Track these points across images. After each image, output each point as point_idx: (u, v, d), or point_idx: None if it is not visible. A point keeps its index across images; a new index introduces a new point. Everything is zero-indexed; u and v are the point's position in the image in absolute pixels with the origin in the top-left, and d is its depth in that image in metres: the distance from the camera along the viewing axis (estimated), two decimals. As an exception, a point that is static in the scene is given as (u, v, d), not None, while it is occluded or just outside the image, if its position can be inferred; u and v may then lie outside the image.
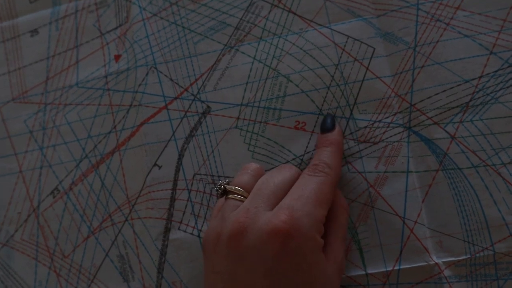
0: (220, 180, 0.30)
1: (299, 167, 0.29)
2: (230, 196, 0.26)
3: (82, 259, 0.31)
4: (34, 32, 0.35)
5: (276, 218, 0.22)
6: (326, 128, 0.28)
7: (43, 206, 0.32)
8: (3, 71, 0.35)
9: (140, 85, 0.32)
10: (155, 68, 0.32)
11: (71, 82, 0.33)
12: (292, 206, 0.23)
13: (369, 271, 0.27)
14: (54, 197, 0.32)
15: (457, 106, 0.28)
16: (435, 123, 0.28)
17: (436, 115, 0.28)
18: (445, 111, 0.28)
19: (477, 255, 0.26)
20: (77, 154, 0.32)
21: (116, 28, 0.33)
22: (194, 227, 0.29)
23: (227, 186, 0.26)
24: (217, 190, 0.26)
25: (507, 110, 0.27)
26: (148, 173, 0.30)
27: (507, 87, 0.27)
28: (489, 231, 0.26)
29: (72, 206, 0.32)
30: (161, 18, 0.32)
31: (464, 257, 0.26)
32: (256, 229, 0.22)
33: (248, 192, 0.25)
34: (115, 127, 0.32)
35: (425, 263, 0.27)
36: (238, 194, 0.25)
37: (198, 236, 0.29)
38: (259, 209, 0.23)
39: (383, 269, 0.27)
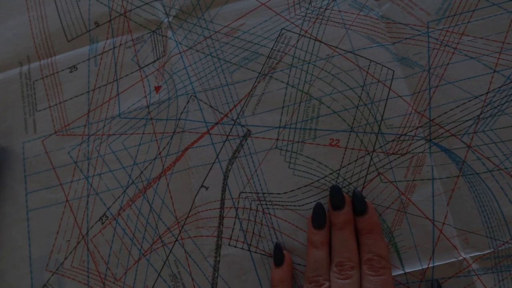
0: (264, 196, 0.32)
1: (336, 181, 0.32)
2: None
3: (134, 281, 0.33)
4: (73, 68, 0.36)
5: None
6: (360, 209, 0.30)
7: (92, 233, 0.34)
8: (44, 106, 0.36)
9: (182, 112, 0.34)
10: (195, 96, 0.34)
11: (114, 113, 0.35)
12: None
13: (407, 270, 0.30)
14: (102, 223, 0.34)
15: (470, 119, 0.32)
16: (452, 135, 0.32)
17: (453, 128, 0.32)
18: (460, 124, 0.32)
19: (499, 248, 0.30)
20: (123, 181, 0.34)
21: (154, 61, 0.36)
22: (243, 242, 0.32)
23: None
24: None
25: (513, 120, 0.31)
26: (196, 194, 0.33)
27: (511, 100, 0.32)
28: (507, 226, 0.30)
29: (121, 230, 0.33)
30: (197, 50, 0.35)
31: (488, 251, 0.30)
32: None
33: None
34: (160, 153, 0.34)
35: (455, 259, 0.30)
36: None
37: (249, 250, 0.32)
38: None
39: (419, 268, 0.30)
